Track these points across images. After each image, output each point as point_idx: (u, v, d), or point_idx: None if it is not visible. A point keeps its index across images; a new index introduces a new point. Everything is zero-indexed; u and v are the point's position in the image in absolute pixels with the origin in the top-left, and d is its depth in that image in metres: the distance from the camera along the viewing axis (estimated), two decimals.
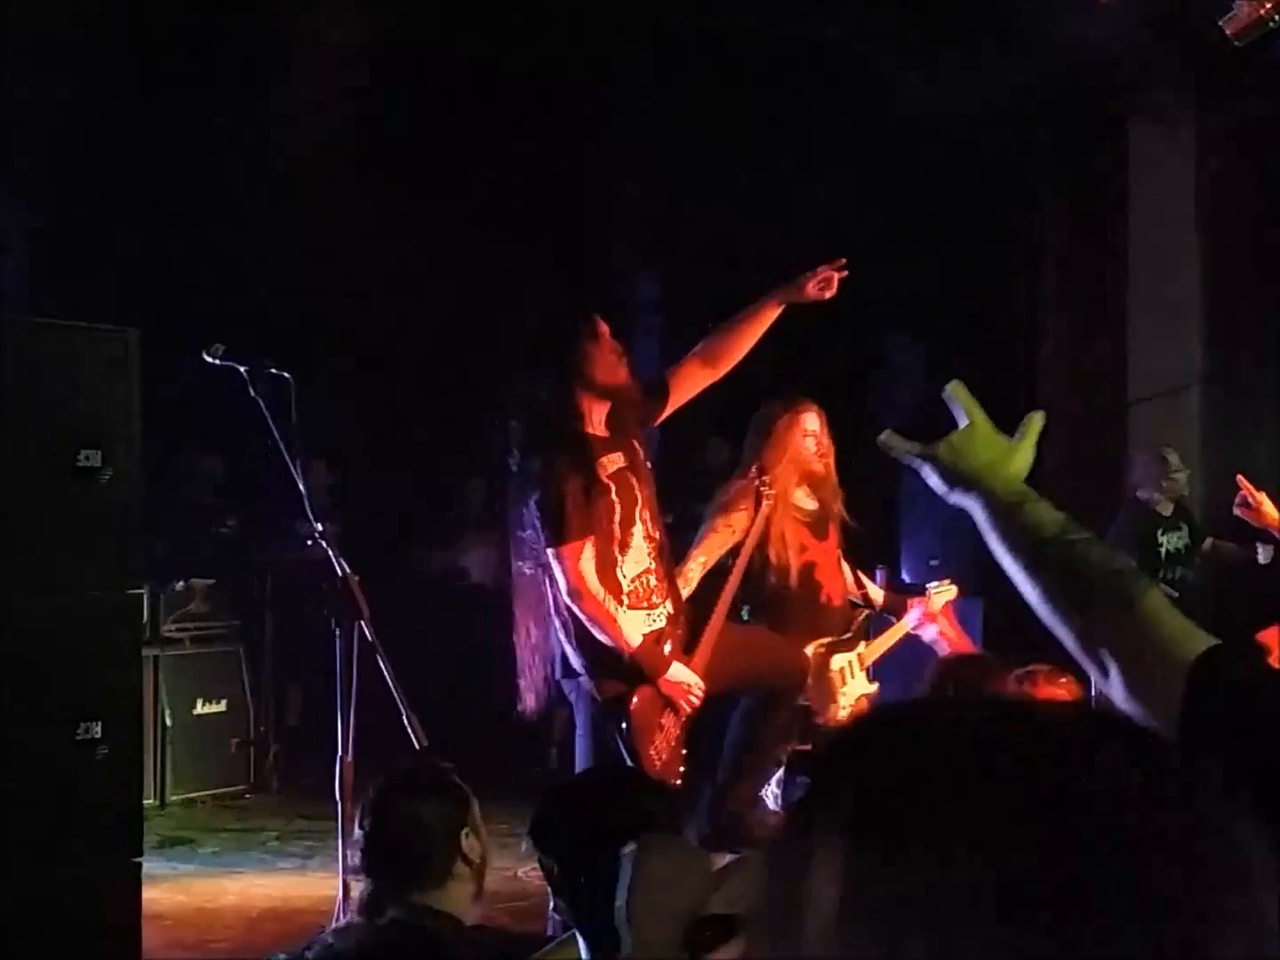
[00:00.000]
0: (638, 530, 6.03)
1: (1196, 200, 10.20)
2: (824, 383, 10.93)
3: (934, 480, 2.31)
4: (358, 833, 3.89)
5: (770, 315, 6.35)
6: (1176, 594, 8.46)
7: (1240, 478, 5.79)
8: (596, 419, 6.01)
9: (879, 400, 11.75)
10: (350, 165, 10.81)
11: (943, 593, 7.10)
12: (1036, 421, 2.33)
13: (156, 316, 8.85)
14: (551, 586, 6.01)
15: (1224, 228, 10.08)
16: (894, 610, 7.16)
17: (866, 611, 7.16)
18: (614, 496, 5.95)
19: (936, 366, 11.60)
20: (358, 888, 4.14)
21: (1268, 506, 5.70)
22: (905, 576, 10.31)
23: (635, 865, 2.66)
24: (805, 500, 6.93)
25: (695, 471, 11.11)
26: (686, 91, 10.99)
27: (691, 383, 6.36)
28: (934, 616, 7.06)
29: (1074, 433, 10.53)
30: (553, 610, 6.04)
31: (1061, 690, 5.85)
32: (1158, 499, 8.82)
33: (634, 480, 6.03)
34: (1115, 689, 2.12)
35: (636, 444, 6.12)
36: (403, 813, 3.82)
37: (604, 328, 6.05)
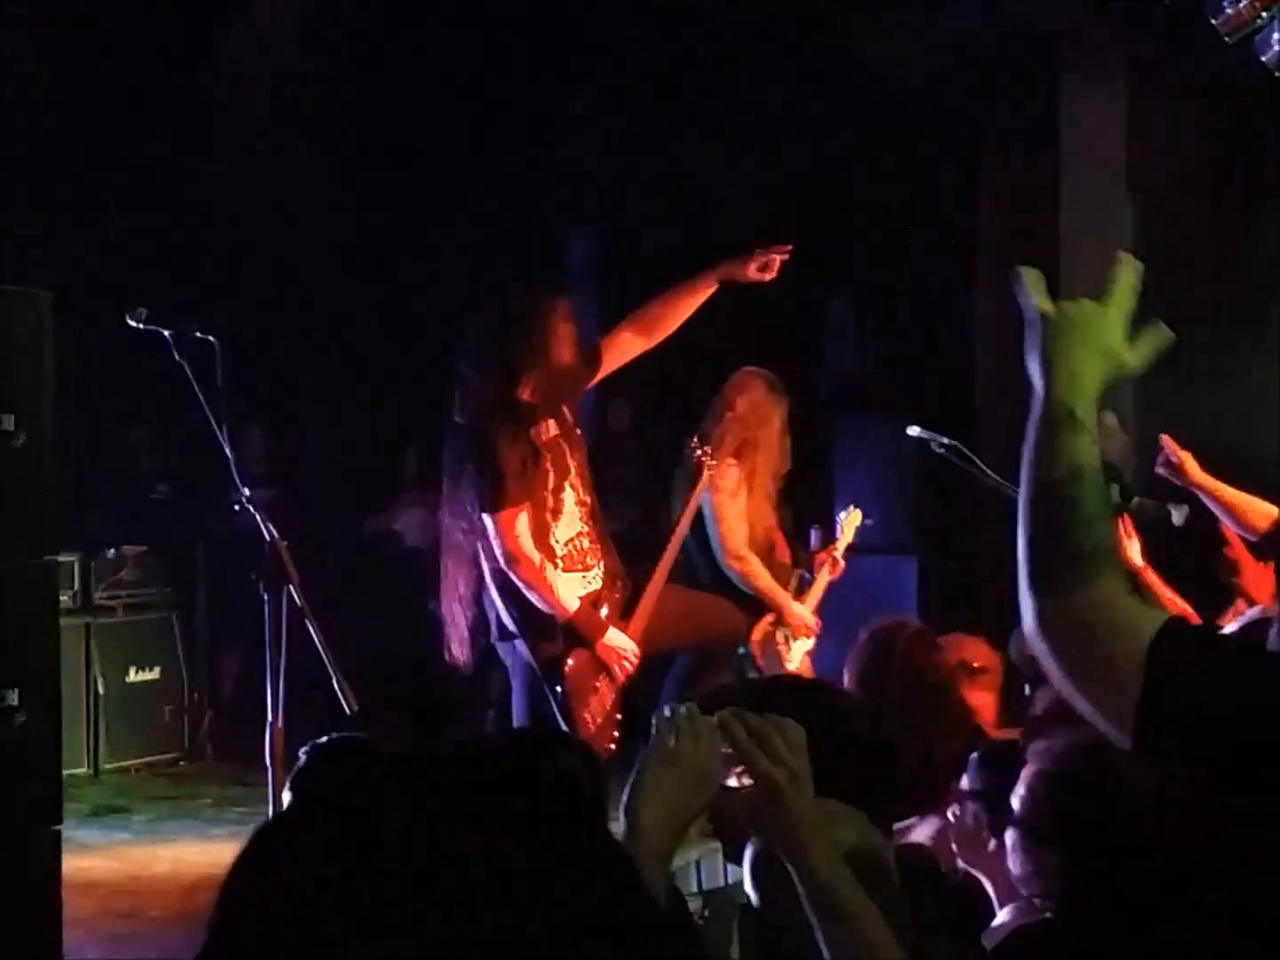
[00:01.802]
0: (569, 496, 6.11)
1: (1128, 160, 10.21)
2: (762, 344, 10.97)
3: (1029, 334, 2.24)
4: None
5: (707, 290, 6.43)
6: None
7: (1164, 437, 5.81)
8: (533, 387, 6.06)
9: (815, 360, 11.76)
10: (297, 128, 10.72)
11: (852, 519, 7.49)
12: (1158, 337, 2.27)
13: (97, 282, 8.83)
14: (485, 550, 6.04)
15: (1155, 187, 10.10)
16: (811, 566, 7.41)
17: (799, 571, 7.37)
18: (548, 464, 6.00)
19: (872, 331, 11.61)
20: None
21: (1190, 464, 5.71)
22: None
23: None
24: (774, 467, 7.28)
25: (598, 435, 11.14)
26: (627, 50, 10.92)
27: (623, 351, 6.43)
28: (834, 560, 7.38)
29: (1009, 392, 10.54)
30: (488, 574, 6.08)
31: (983, 657, 5.85)
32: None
33: (566, 447, 6.12)
34: (1066, 684, 2.10)
35: (567, 411, 6.18)
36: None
37: (570, 312, 6.17)
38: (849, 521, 7.49)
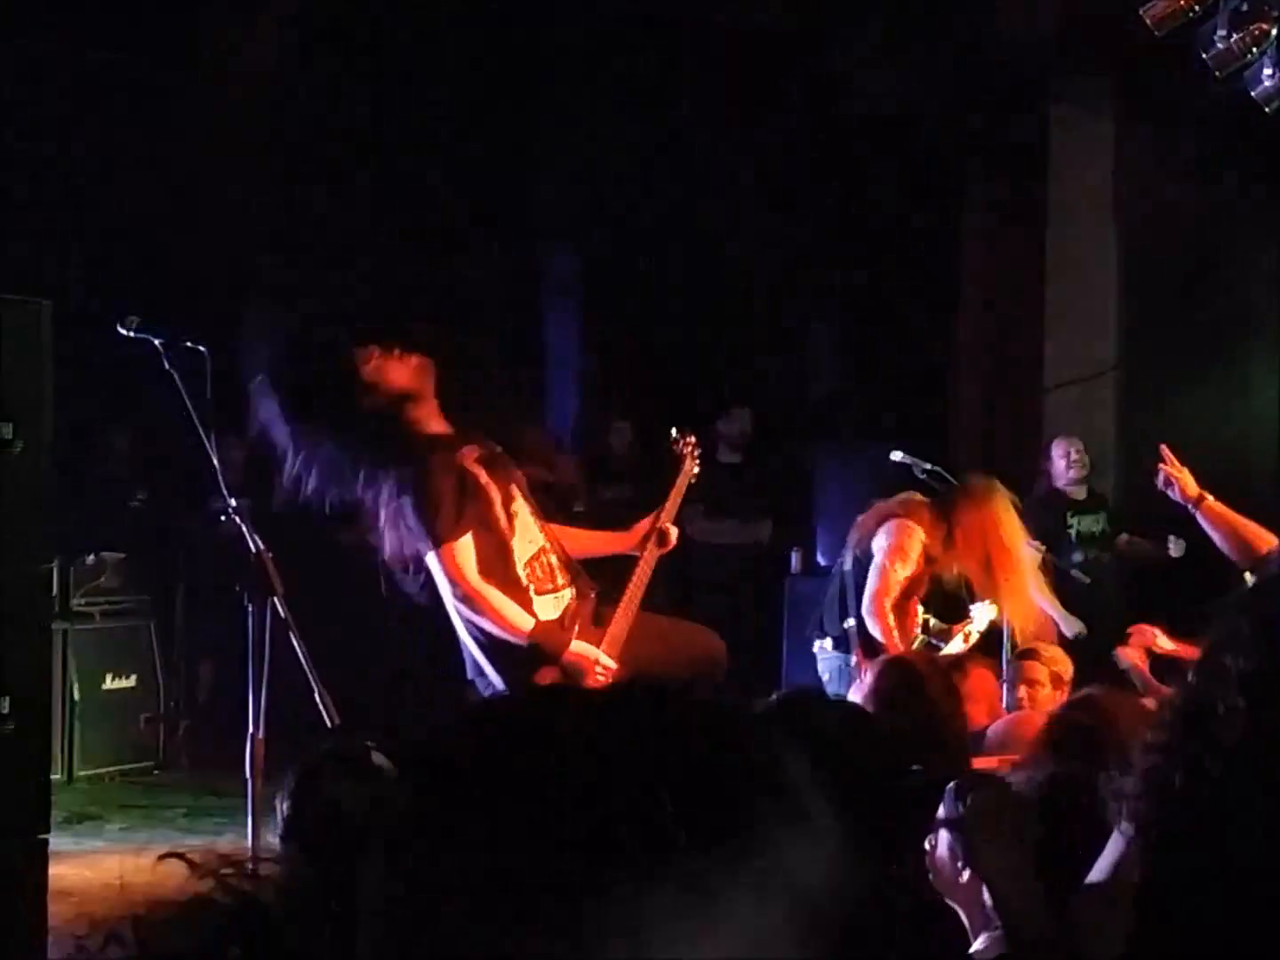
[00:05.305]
0: (521, 507, 6.04)
1: (1115, 188, 10.28)
2: (747, 370, 11.03)
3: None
4: (279, 817, 3.86)
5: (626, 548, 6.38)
6: (1087, 579, 8.61)
7: (1163, 447, 5.61)
8: (433, 422, 6.00)
9: (797, 385, 11.80)
10: (283, 143, 10.74)
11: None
12: None
13: (74, 288, 8.82)
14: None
15: (1141, 216, 10.16)
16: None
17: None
18: (489, 481, 5.95)
19: (854, 355, 11.65)
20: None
21: (1188, 480, 5.48)
22: (821, 559, 10.35)
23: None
24: None
25: (599, 455, 11.15)
26: (612, 70, 10.96)
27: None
28: None
29: (991, 418, 10.61)
30: (451, 611, 6.02)
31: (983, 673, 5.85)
32: (1070, 487, 9.03)
33: (496, 469, 6.03)
34: None
35: (485, 436, 6.11)
36: (323, 796, 3.78)
37: (370, 353, 6.00)
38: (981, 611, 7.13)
